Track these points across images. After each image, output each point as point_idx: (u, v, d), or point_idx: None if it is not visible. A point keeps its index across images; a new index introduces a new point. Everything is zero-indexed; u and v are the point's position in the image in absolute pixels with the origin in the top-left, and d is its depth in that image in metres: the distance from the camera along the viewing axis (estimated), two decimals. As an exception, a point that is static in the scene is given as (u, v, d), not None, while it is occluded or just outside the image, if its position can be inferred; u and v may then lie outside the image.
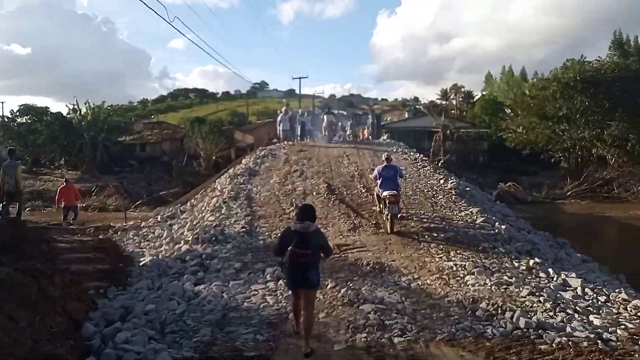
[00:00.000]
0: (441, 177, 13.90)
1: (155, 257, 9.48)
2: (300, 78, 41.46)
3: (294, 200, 12.21)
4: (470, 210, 11.02)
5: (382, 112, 54.57)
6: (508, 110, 43.19)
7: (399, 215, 10.18)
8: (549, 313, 6.12)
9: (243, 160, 18.21)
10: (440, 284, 7.22)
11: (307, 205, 5.92)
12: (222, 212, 11.49)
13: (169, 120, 57.46)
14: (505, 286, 7.03)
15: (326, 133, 22.67)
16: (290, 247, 5.04)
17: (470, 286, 7.08)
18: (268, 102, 79.72)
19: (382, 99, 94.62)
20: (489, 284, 7.08)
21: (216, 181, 16.73)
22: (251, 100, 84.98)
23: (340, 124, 25.42)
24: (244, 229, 10.16)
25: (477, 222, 10.26)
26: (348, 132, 24.78)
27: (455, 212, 10.96)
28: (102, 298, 7.19)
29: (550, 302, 6.36)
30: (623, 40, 45.56)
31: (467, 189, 13.42)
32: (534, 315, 5.99)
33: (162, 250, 10.27)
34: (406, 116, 55.44)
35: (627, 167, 32.61)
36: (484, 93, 55.79)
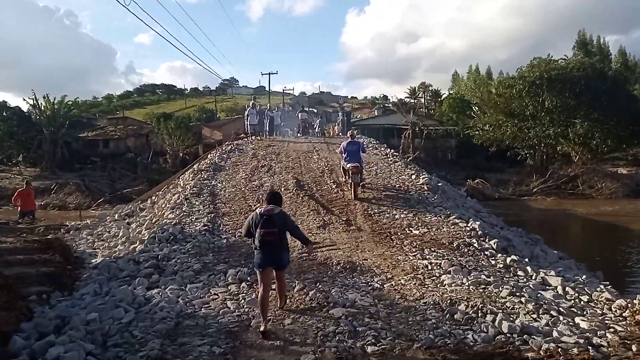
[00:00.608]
0: (412, 172, 13.44)
1: (107, 259, 8.66)
2: (269, 74, 40.51)
3: (260, 196, 11.50)
4: (442, 206, 10.56)
5: (352, 109, 54.18)
6: (475, 109, 43.45)
7: (360, 184, 11.67)
8: (532, 315, 5.63)
9: (209, 156, 17.35)
10: (415, 284, 6.67)
11: (273, 191, 6.24)
12: (183, 209, 10.70)
13: (135, 117, 55.61)
14: (483, 286, 6.54)
15: (301, 130, 23.19)
16: (258, 229, 5.47)
17: (447, 286, 6.56)
18: (238, 98, 78.32)
19: (352, 97, 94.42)
20: (467, 284, 6.58)
21: (180, 177, 15.86)
22: (220, 97, 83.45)
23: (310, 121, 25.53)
24: (205, 227, 9.41)
25: (450, 218, 9.79)
26: (317, 130, 25.21)
27: (428, 208, 10.48)
28: (44, 305, 6.41)
29: (533, 303, 5.88)
30: (587, 40, 46.51)
31: (439, 184, 13.00)
32: (516, 318, 5.51)
33: (116, 250, 9.45)
34: (375, 114, 55.24)
35: (591, 164, 33.18)
36: (451, 92, 56.17)
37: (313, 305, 5.95)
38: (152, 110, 64.74)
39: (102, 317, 5.60)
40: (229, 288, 6.63)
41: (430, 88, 66.69)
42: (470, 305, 5.80)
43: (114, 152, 41.17)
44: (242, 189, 12.32)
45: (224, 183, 12.94)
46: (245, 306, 6.00)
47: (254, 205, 10.85)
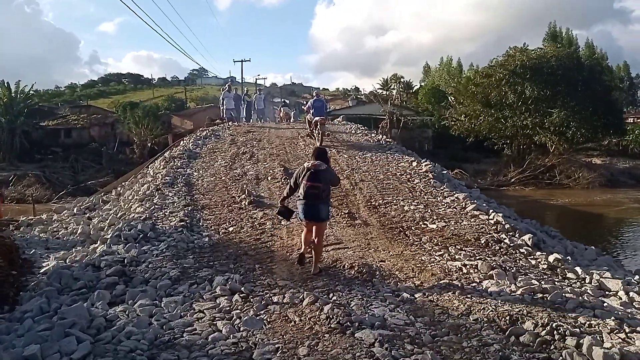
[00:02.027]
0: (412, 159, 12.05)
1: (60, 263, 6.89)
2: (242, 61, 38.51)
3: (245, 186, 9.87)
4: (455, 195, 9.18)
5: (326, 100, 52.56)
6: (451, 99, 42.60)
7: (326, 133, 14.32)
8: (619, 335, 4.28)
9: (182, 142, 15.49)
10: (454, 293, 5.21)
11: (320, 148, 6.89)
12: (155, 201, 8.95)
13: (100, 106, 52.40)
14: (539, 294, 5.16)
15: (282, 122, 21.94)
16: (303, 181, 5.73)
17: (494, 296, 5.15)
18: (208, 89, 75.49)
19: (324, 89, 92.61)
20: (518, 292, 5.17)
21: (149, 166, 14.00)
22: (190, 87, 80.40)
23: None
24: (182, 223, 7.72)
25: (467, 209, 8.42)
26: (292, 121, 23.92)
27: (439, 199, 9.07)
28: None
29: (612, 318, 4.55)
30: (557, 32, 46.32)
31: (444, 172, 11.66)
32: (602, 340, 4.14)
33: (73, 252, 7.67)
34: (349, 104, 53.91)
35: (567, 154, 32.74)
36: (422, 84, 55.30)
37: (332, 325, 4.42)
38: (117, 99, 61.43)
39: (45, 351, 3.93)
40: (218, 302, 5.01)
41: (402, 80, 65.67)
42: (538, 324, 4.39)
43: (76, 142, 38.23)
44: (223, 177, 10.62)
45: (200, 171, 11.20)
46: (242, 329, 4.42)
47: (239, 197, 9.21)
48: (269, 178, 10.47)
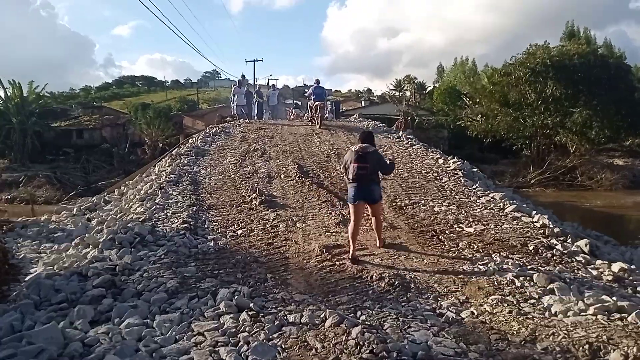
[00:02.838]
0: (438, 156, 11.03)
1: (43, 271, 6.01)
2: (254, 61, 37.71)
3: (255, 185, 8.94)
4: (491, 195, 8.15)
5: (339, 100, 51.60)
6: (467, 99, 41.43)
7: (326, 117, 16.35)
8: None
9: (190, 140, 14.63)
10: (510, 312, 4.21)
11: (367, 130, 6.80)
12: (157, 201, 8.05)
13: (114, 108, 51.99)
14: (617, 314, 4.13)
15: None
16: (351, 164, 5.76)
17: (560, 316, 4.13)
18: (220, 90, 74.98)
19: (336, 90, 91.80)
20: (590, 311, 4.16)
21: (155, 165, 13.15)
22: (202, 90, 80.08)
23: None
24: (185, 225, 6.79)
25: (506, 210, 7.39)
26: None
27: (472, 199, 8.05)
28: None
29: None
30: (574, 31, 44.89)
31: (474, 170, 10.63)
32: None
33: (64, 257, 6.80)
34: (362, 105, 52.92)
35: (589, 155, 31.43)
36: (436, 85, 54.10)
37: (363, 356, 3.44)
38: (130, 101, 61.17)
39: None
40: (222, 321, 4.06)
41: (415, 81, 64.64)
42: (629, 355, 3.38)
43: (88, 142, 37.73)
44: (232, 175, 9.70)
45: (208, 169, 10.29)
46: (250, 358, 3.47)
47: (249, 196, 8.28)
48: (282, 176, 9.52)
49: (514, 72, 30.48)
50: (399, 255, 5.73)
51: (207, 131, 14.92)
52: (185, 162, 10.83)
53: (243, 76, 18.21)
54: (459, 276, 5.06)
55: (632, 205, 20.01)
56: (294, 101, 46.51)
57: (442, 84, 49.91)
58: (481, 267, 5.32)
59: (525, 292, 4.65)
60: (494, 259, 5.59)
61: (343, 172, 6.15)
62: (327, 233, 6.53)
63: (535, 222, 6.83)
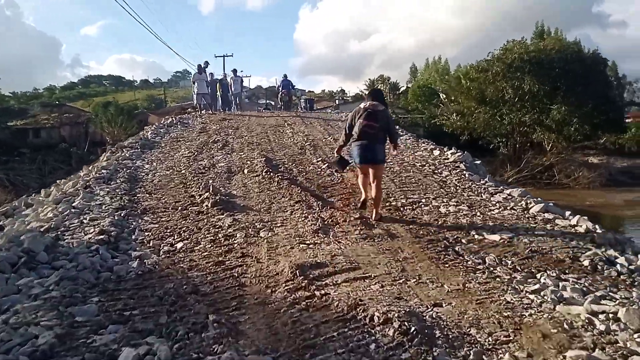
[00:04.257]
0: (431, 146, 9.28)
1: None
2: (224, 56, 35.39)
3: (210, 181, 6.96)
4: (507, 192, 6.39)
5: (313, 99, 49.82)
6: (442, 96, 40.32)
7: (290, 105, 19.69)
8: None
9: (140, 132, 12.48)
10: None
11: (377, 89, 6.73)
12: (75, 203, 5.96)
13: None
14: None
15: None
16: (359, 120, 5.31)
17: None
18: (190, 90, 72.19)
19: (309, 91, 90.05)
20: None
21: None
22: (173, 89, 77.14)
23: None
24: (102, 237, 4.75)
25: (532, 211, 5.63)
26: None
27: (484, 196, 6.27)
28: None
29: None
30: (544, 32, 44.37)
31: (477, 162, 8.88)
32: None
33: None
34: (337, 103, 51.34)
35: (566, 153, 30.57)
36: (409, 85, 53.03)
37: None
38: (94, 100, 57.88)
39: None
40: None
41: (389, 81, 63.54)
42: None
43: (46, 142, 34.71)
44: (182, 171, 7.68)
45: (154, 164, 8.24)
46: None
47: (199, 196, 6.29)
48: (245, 171, 7.56)
49: (491, 68, 29.38)
50: (405, 278, 3.85)
51: (162, 122, 12.78)
52: (127, 155, 8.72)
53: (206, 62, 16.08)
54: (505, 313, 3.23)
55: (624, 204, 18.85)
56: (267, 101, 44.64)
57: (416, 82, 48.77)
58: (531, 296, 3.50)
59: (616, 340, 2.85)
60: (542, 281, 3.79)
61: (345, 132, 5.59)
62: (301, 245, 4.61)
63: (576, 226, 5.08)
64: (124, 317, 3.29)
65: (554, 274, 3.93)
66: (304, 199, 6.07)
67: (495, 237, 4.75)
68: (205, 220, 5.44)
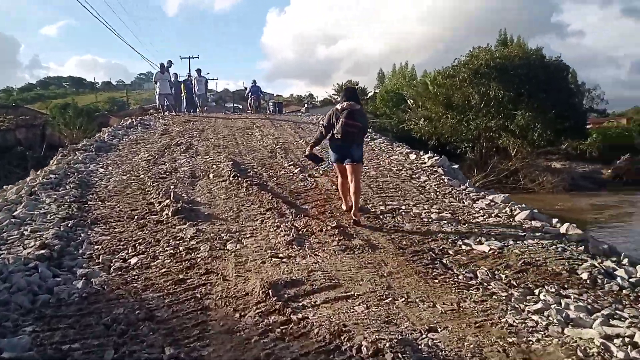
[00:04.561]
0: (407, 150, 8.92)
1: None
2: (189, 58, 34.37)
3: (172, 186, 6.35)
4: (490, 198, 6.06)
5: (282, 102, 49.15)
6: (410, 102, 40.56)
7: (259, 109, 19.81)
8: None
9: (97, 134, 11.65)
10: None
11: (351, 88, 6.18)
12: (16, 212, 5.23)
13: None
14: None
15: None
16: (341, 119, 5.19)
17: None
18: (154, 92, 70.14)
19: (277, 95, 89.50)
20: None
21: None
22: (136, 91, 74.95)
23: None
24: (44, 252, 4.10)
25: (517, 219, 5.30)
26: None
27: (466, 202, 5.91)
28: None
29: None
30: (507, 40, 45.30)
31: (455, 167, 8.55)
32: None
33: None
34: (305, 107, 50.96)
35: (531, 158, 31.15)
36: (376, 90, 53.15)
37: None
38: (52, 102, 55.43)
39: None
40: None
41: (357, 86, 63.58)
42: None
43: (0, 145, 32.82)
44: (141, 175, 7.02)
45: (110, 168, 7.54)
46: None
47: (159, 203, 5.68)
48: (211, 176, 6.97)
49: (458, 74, 29.68)
50: (392, 296, 3.40)
51: (121, 123, 11.99)
52: (80, 158, 7.97)
53: (169, 61, 15.29)
54: (509, 339, 2.82)
55: (591, 208, 19.17)
56: (234, 105, 43.70)
57: (384, 87, 48.89)
58: (534, 317, 3.11)
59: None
60: (542, 297, 3.42)
61: (321, 131, 5.52)
62: (274, 259, 4.09)
63: (567, 234, 4.77)
64: (61, 352, 2.71)
65: (553, 290, 3.57)
66: (275, 206, 5.55)
67: (484, 248, 4.38)
68: (165, 231, 4.84)
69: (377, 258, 4.14)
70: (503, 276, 3.80)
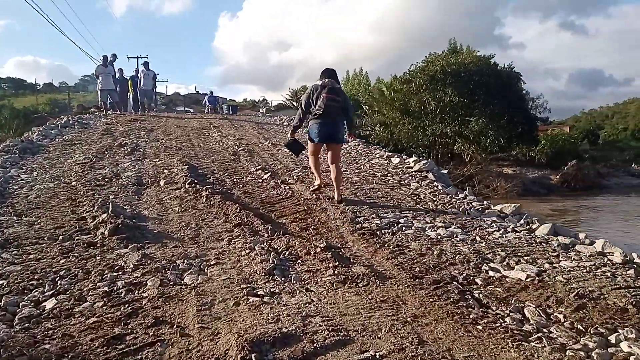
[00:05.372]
0: (387, 153, 7.94)
1: None
2: (138, 57, 32.11)
3: (111, 196, 5.02)
4: (497, 209, 5.14)
5: (236, 106, 47.49)
6: (365, 108, 40.22)
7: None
8: None
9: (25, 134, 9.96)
10: None
11: (330, 68, 5.32)
12: None
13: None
14: None
15: None
16: (322, 94, 4.94)
17: None
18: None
19: (230, 99, 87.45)
20: None
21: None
22: (81, 94, 70.81)
23: None
24: None
25: (538, 233, 4.39)
26: None
27: (473, 214, 4.95)
28: None
29: None
30: (457, 49, 46.07)
31: (444, 172, 7.62)
32: None
33: None
34: (266, 108, 49.71)
35: (485, 163, 31.40)
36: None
37: None
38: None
39: None
40: None
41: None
42: None
43: None
44: (73, 182, 5.61)
45: (35, 173, 6.07)
46: None
47: (92, 218, 4.35)
48: (162, 182, 5.67)
49: (414, 80, 29.55)
50: (430, 356, 2.34)
51: (55, 122, 10.32)
52: (-3, 162, 6.43)
53: (113, 55, 13.52)
54: None
55: (555, 213, 19.06)
56: (185, 108, 41.76)
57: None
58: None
59: None
60: (627, 349, 2.48)
61: (301, 111, 5.22)
62: (252, 299, 2.92)
63: (607, 253, 3.90)
64: None
65: (632, 334, 2.63)
66: (245, 220, 4.36)
67: (519, 274, 3.41)
68: (99, 258, 3.55)
69: (390, 293, 3.07)
70: (561, 317, 2.83)
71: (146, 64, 15.29)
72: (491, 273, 3.47)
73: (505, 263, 3.65)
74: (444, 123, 29.64)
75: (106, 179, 5.76)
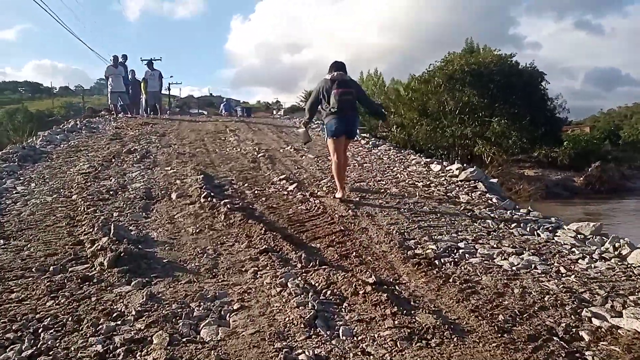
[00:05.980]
0: (424, 160, 7.09)
1: None
2: (151, 60, 31.49)
3: (115, 214, 4.30)
4: (574, 229, 4.30)
5: (250, 109, 47.06)
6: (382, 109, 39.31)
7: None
8: None
9: (30, 139, 9.37)
10: None
11: (339, 61, 5.20)
12: None
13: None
14: None
15: None
16: (333, 90, 4.85)
17: None
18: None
19: (244, 102, 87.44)
20: None
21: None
22: (95, 97, 71.23)
23: None
24: None
25: (631, 261, 3.56)
26: None
27: (545, 236, 4.09)
28: None
29: None
30: (474, 48, 45.01)
31: (494, 181, 6.77)
32: None
33: None
34: (274, 114, 49.14)
35: (506, 165, 30.40)
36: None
37: None
38: (5, 108, 51.50)
39: None
40: None
41: (325, 93, 62.33)
42: None
43: (-62, 153, 29.19)
44: (73, 196, 4.91)
45: (32, 184, 5.39)
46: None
47: (91, 243, 3.63)
48: (173, 196, 4.95)
49: (433, 79, 28.74)
50: None
51: (61, 126, 9.71)
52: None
53: (124, 55, 12.94)
54: None
55: (595, 219, 18.04)
56: (199, 110, 41.41)
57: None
58: None
59: None
60: None
61: (310, 106, 5.13)
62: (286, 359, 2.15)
63: None
64: None
65: None
66: (272, 245, 3.59)
67: (634, 325, 2.58)
68: (94, 299, 2.81)
69: (476, 356, 2.27)
70: None
71: (150, 64, 14.45)
72: (596, 322, 2.65)
73: (609, 306, 2.82)
74: (463, 124, 28.77)
75: (111, 192, 5.05)
